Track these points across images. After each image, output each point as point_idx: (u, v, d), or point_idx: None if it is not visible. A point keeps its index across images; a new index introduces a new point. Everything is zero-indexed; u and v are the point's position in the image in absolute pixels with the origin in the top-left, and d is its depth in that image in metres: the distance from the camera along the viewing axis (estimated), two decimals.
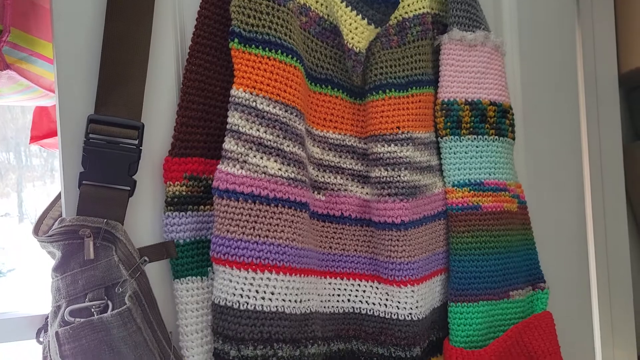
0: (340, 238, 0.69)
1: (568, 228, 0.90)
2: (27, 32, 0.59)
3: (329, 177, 0.69)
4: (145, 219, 0.61)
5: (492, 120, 0.73)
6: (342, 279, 0.69)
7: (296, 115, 0.62)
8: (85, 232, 0.55)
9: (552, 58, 0.90)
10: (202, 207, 0.63)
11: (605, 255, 0.92)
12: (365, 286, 0.69)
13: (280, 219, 0.60)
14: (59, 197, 0.66)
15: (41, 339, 0.84)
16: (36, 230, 0.62)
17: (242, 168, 0.59)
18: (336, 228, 0.69)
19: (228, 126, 0.59)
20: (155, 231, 0.62)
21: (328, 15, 0.69)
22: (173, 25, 0.63)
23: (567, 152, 0.90)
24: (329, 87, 0.69)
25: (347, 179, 0.70)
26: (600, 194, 0.93)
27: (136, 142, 0.58)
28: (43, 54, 0.61)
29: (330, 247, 0.69)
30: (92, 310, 0.56)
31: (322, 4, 0.69)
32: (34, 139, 0.81)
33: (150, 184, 0.61)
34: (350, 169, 0.70)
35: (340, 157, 0.70)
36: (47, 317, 0.86)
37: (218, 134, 0.63)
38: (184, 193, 0.62)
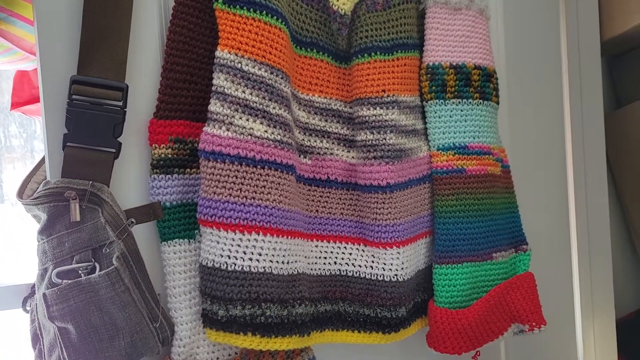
0: (326, 202, 0.70)
1: (550, 192, 0.91)
2: None
3: (315, 141, 0.69)
4: (131, 181, 0.61)
5: (476, 84, 0.74)
6: (328, 242, 0.70)
7: (282, 78, 0.62)
8: (71, 195, 0.55)
9: (536, 24, 0.91)
10: (188, 170, 0.63)
11: (586, 218, 0.94)
12: (352, 249, 0.70)
13: (266, 180, 0.60)
14: (42, 161, 0.65)
15: (27, 308, 0.83)
16: (20, 194, 0.62)
17: (228, 130, 0.59)
18: (322, 192, 0.69)
19: (213, 88, 0.59)
20: (142, 194, 0.62)
21: None
22: None
23: (550, 118, 0.92)
24: (314, 50, 0.69)
25: (332, 143, 0.70)
26: (582, 159, 0.94)
27: (120, 103, 0.57)
28: (23, 15, 0.60)
29: (317, 211, 0.69)
30: (80, 272, 0.56)
31: None
32: (15, 105, 0.80)
33: (135, 146, 0.61)
34: (336, 133, 0.70)
35: (326, 121, 0.70)
36: (32, 286, 0.86)
37: (203, 96, 0.63)
38: (169, 156, 0.61)
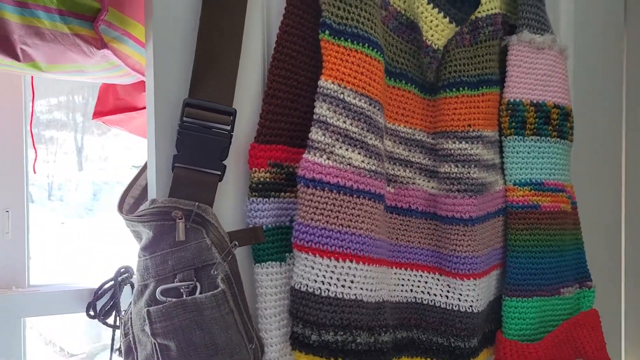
0: (406, 230, 0.71)
1: (604, 229, 0.93)
2: (121, 11, 0.59)
3: (399, 170, 0.70)
4: (228, 202, 0.62)
5: (555, 122, 0.75)
6: (405, 270, 0.71)
7: (378, 109, 0.64)
8: (178, 214, 0.56)
9: (600, 62, 0.92)
10: (282, 194, 0.64)
11: (637, 258, 0.96)
12: (427, 277, 0.71)
13: (361, 209, 0.61)
14: (138, 176, 0.67)
15: (91, 313, 0.85)
16: (120, 208, 0.63)
17: (328, 159, 0.60)
18: (402, 220, 0.71)
19: (315, 116, 0.61)
20: (237, 215, 0.63)
21: (405, 10, 0.70)
22: (260, 13, 0.64)
23: (606, 156, 0.93)
24: (403, 81, 0.71)
25: (414, 173, 0.71)
26: (636, 198, 0.96)
27: (228, 127, 0.59)
28: (133, 35, 0.61)
29: (397, 238, 0.71)
30: (181, 290, 0.57)
31: None
32: (98, 114, 0.81)
33: (233, 168, 0.62)
34: (418, 163, 0.72)
35: (410, 150, 0.71)
36: (95, 292, 0.87)
37: (301, 122, 0.64)
38: (267, 179, 0.63)
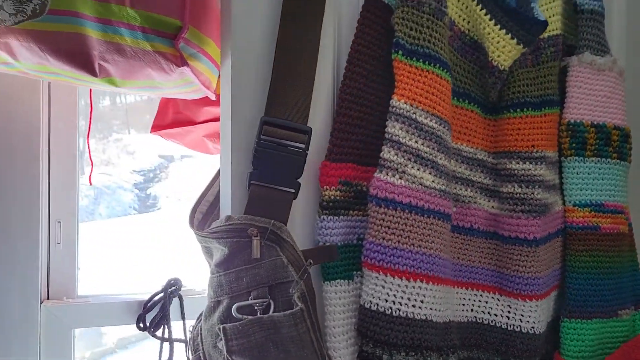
0: (467, 249, 0.71)
1: None
2: (198, 29, 0.60)
3: (461, 189, 0.70)
4: (296, 219, 0.63)
5: (615, 144, 0.75)
6: (466, 289, 0.71)
7: (447, 129, 0.64)
8: (253, 232, 0.57)
9: None
10: (351, 212, 0.64)
11: None
12: (488, 297, 0.71)
13: (431, 229, 0.61)
14: (205, 191, 0.67)
15: (141, 325, 0.85)
16: (192, 224, 0.63)
17: (401, 178, 0.60)
18: (464, 239, 0.71)
19: (387, 136, 0.61)
20: (305, 232, 0.63)
21: (469, 31, 0.71)
22: (332, 32, 0.64)
23: None
24: (466, 101, 0.71)
25: (476, 192, 0.71)
26: None
27: (303, 145, 0.59)
28: (207, 52, 0.62)
29: (458, 258, 0.70)
30: (256, 307, 0.57)
31: (464, 19, 0.70)
32: (156, 128, 0.82)
33: (303, 185, 0.63)
34: (479, 182, 0.72)
35: (471, 170, 0.71)
36: (145, 304, 0.87)
37: (369, 141, 0.65)
38: (338, 198, 0.63)
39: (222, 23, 0.61)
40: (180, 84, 0.62)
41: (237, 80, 0.59)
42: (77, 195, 0.88)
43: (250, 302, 0.57)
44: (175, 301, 0.90)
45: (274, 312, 0.57)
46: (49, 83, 0.85)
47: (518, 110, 0.71)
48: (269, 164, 0.58)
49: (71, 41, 0.58)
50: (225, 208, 0.60)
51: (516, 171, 0.70)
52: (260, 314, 0.56)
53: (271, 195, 0.58)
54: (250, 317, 0.56)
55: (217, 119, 0.79)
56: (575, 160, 0.74)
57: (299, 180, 0.59)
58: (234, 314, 0.56)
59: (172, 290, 0.88)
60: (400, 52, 0.62)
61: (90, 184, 0.84)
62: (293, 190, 0.59)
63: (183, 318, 0.90)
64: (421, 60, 0.62)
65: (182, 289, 0.91)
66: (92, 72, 0.60)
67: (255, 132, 0.58)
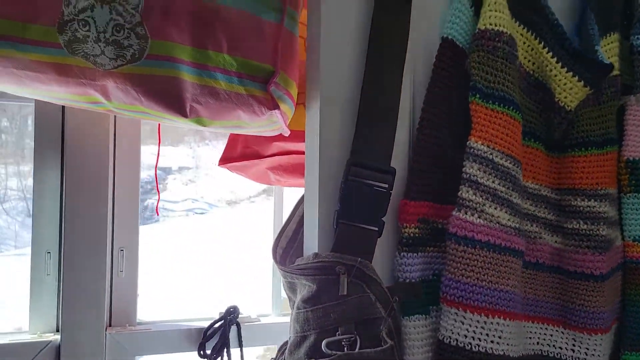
0: (533, 283, 0.73)
1: None
2: (285, 73, 0.62)
3: (527, 225, 0.72)
4: (376, 256, 0.65)
5: None
6: (532, 323, 0.73)
7: (520, 169, 0.66)
8: (341, 269, 0.59)
9: None
10: (427, 248, 0.66)
11: None
12: (552, 330, 0.73)
13: (508, 266, 0.63)
14: (284, 227, 0.69)
15: (202, 352, 0.86)
16: (276, 260, 0.65)
17: (479, 217, 0.62)
18: (530, 274, 0.73)
19: (465, 176, 0.63)
20: (384, 269, 0.65)
21: (534, 72, 0.73)
22: (409, 75, 0.67)
23: None
24: (532, 139, 0.73)
25: (541, 227, 0.73)
26: None
27: (387, 186, 0.61)
28: (291, 93, 0.64)
29: (525, 292, 0.72)
30: (343, 343, 0.59)
31: (530, 60, 0.73)
32: (225, 160, 0.84)
33: None
34: (543, 218, 0.74)
35: (536, 206, 0.73)
36: (205, 332, 0.89)
37: (445, 180, 0.67)
38: (416, 235, 0.65)
39: (310, 68, 0.63)
40: (265, 124, 0.64)
41: (325, 124, 0.61)
42: (139, 223, 0.90)
43: (337, 337, 0.59)
44: (232, 328, 0.91)
45: (359, 348, 0.58)
46: (115, 115, 0.87)
47: (582, 149, 0.73)
48: (355, 203, 0.60)
49: (166, 84, 0.61)
50: (311, 245, 0.62)
51: (581, 208, 0.72)
52: (346, 349, 0.58)
53: (357, 233, 0.60)
54: (340, 352, 0.57)
55: (283, 153, 0.82)
56: (635, 197, 0.76)
57: (383, 218, 0.62)
58: (323, 349, 0.58)
59: (231, 317, 0.90)
60: (477, 95, 0.64)
61: (157, 214, 0.86)
62: (377, 229, 0.61)
63: (241, 346, 0.91)
64: (497, 103, 0.65)
65: (240, 316, 0.92)
66: (183, 113, 0.62)
67: (341, 171, 0.61)
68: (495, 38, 0.66)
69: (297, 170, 0.84)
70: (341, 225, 0.60)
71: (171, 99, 0.61)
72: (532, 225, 0.73)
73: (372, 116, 0.62)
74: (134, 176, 0.90)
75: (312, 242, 0.62)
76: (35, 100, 0.83)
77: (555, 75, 0.71)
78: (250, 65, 0.60)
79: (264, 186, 1.00)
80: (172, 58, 0.60)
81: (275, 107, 0.60)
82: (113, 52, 0.59)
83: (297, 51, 0.66)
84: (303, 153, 0.79)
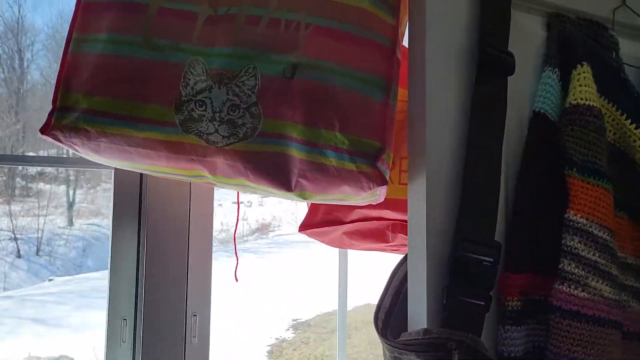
0: (626, 353, 0.72)
1: None
2: (390, 148, 0.64)
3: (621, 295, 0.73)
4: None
5: None
6: None
7: (615, 240, 0.67)
8: (452, 346, 0.58)
9: None
10: (528, 320, 0.66)
11: None
12: None
13: (612, 339, 0.63)
14: (382, 299, 0.69)
15: None
16: (379, 334, 0.65)
17: (583, 290, 0.63)
18: (623, 343, 0.72)
19: (566, 249, 0.64)
20: (487, 344, 0.65)
21: (615, 141, 0.75)
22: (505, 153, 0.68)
23: None
24: (617, 208, 0.74)
25: (629, 296, 0.74)
26: None
27: (492, 260, 0.62)
28: (390, 165, 0.66)
29: None
30: None
31: (611, 131, 0.74)
32: (306, 227, 0.85)
33: None
34: (631, 286, 0.74)
35: (624, 274, 0.74)
36: None
37: (542, 251, 0.67)
38: (519, 308, 0.65)
39: (413, 143, 0.65)
40: (367, 197, 0.65)
41: (431, 199, 0.62)
42: (211, 288, 0.90)
43: None
44: None
45: None
46: (190, 183, 0.88)
47: None
48: (464, 278, 0.61)
49: (275, 160, 0.62)
50: (418, 320, 0.62)
51: None
52: None
53: (467, 308, 0.60)
54: None
55: (363, 219, 0.82)
56: None
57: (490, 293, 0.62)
58: None
59: None
60: (574, 168, 0.66)
61: (237, 281, 0.86)
62: (484, 303, 0.61)
63: None
64: (592, 176, 0.66)
65: None
66: (288, 188, 0.63)
67: (447, 246, 0.61)
68: (587, 112, 0.67)
69: (373, 235, 0.85)
70: (450, 300, 0.60)
71: (278, 175, 0.62)
72: (622, 294, 0.73)
73: (476, 190, 0.63)
74: (207, 241, 0.90)
75: (419, 317, 0.62)
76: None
77: (639, 146, 0.73)
78: (361, 143, 0.61)
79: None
80: (283, 135, 0.61)
81: (384, 182, 0.61)
82: (227, 130, 0.61)
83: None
84: (381, 219, 0.80)
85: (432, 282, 0.62)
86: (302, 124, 0.61)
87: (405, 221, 0.82)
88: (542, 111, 0.69)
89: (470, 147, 0.64)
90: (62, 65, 0.64)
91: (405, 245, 0.87)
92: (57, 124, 0.62)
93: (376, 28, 0.63)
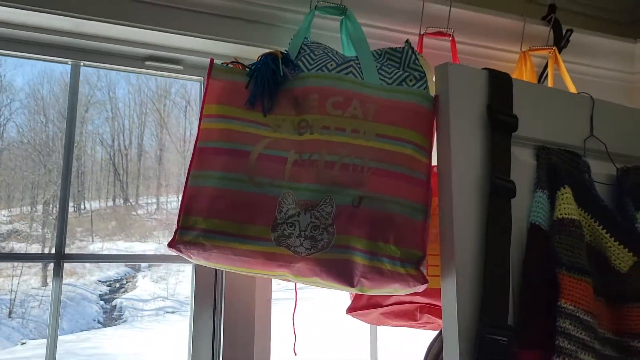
0: None
1: None
2: (427, 254, 0.86)
3: None
4: None
5: None
6: None
7: (596, 320, 0.89)
8: None
9: None
10: None
11: None
12: None
13: None
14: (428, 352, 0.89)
15: None
16: None
17: None
18: None
19: (560, 329, 0.85)
20: None
21: (591, 242, 0.98)
22: (512, 255, 0.90)
23: None
24: (596, 294, 0.96)
25: None
26: None
27: (507, 339, 0.83)
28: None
29: None
30: None
31: (588, 234, 0.97)
32: (352, 310, 1.05)
33: None
34: (610, 355, 0.95)
35: (604, 347, 0.95)
36: None
37: (545, 332, 0.89)
38: None
39: (445, 251, 0.87)
40: (409, 290, 0.86)
41: (460, 292, 0.83)
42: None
43: None
44: None
45: None
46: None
47: (636, 301, 0.96)
48: (488, 354, 0.81)
49: (343, 265, 0.83)
50: None
51: (637, 348, 0.94)
52: None
53: None
54: None
55: (399, 303, 1.03)
56: None
57: None
58: None
59: None
60: (563, 267, 0.88)
61: (295, 355, 1.04)
62: None
63: None
64: (577, 272, 0.88)
65: None
66: (351, 285, 0.84)
67: (473, 326, 0.82)
68: (570, 224, 0.91)
69: (404, 315, 1.05)
70: None
71: (345, 275, 0.83)
72: None
73: (494, 283, 0.84)
74: (266, 327, 1.09)
75: None
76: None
77: (610, 247, 0.96)
78: (409, 252, 0.83)
79: None
80: (350, 247, 0.83)
81: (426, 281, 0.82)
82: (309, 244, 0.82)
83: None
84: (412, 303, 1.01)
85: (463, 356, 0.82)
86: (365, 238, 0.83)
87: (431, 304, 1.03)
88: (536, 223, 0.92)
89: (487, 251, 0.86)
90: (183, 195, 0.85)
91: (429, 322, 1.08)
92: (180, 239, 0.83)
93: (416, 167, 0.86)
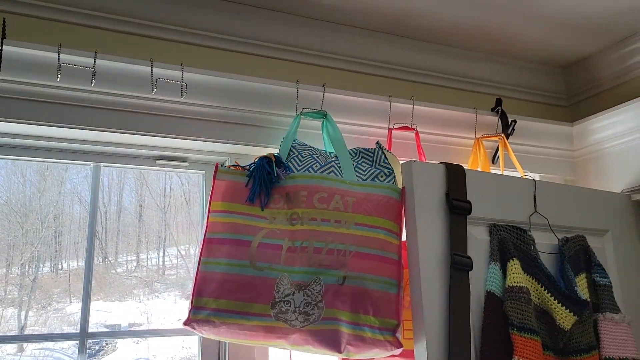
0: None
1: None
2: (401, 323, 1.02)
3: None
4: None
5: None
6: None
7: None
8: None
9: None
10: None
11: None
12: None
13: None
14: None
15: None
16: None
17: None
18: None
19: None
20: None
21: (539, 304, 1.16)
22: (471, 318, 1.07)
23: None
24: (545, 349, 1.14)
25: None
26: None
27: None
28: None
29: None
30: None
31: (536, 297, 1.16)
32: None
33: None
34: None
35: None
36: None
37: None
38: None
39: (416, 315, 1.03)
40: (388, 354, 1.02)
41: (431, 353, 1.00)
42: None
43: None
44: None
45: None
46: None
47: (578, 354, 1.14)
48: None
49: (332, 334, 0.99)
50: None
51: None
52: None
53: None
54: None
55: None
56: None
57: None
58: None
59: None
60: (515, 328, 1.05)
61: None
62: None
63: None
64: (526, 332, 1.06)
65: None
66: (338, 351, 1.00)
67: None
68: (519, 291, 1.09)
69: None
70: None
71: (333, 343, 0.99)
72: None
73: (458, 343, 1.01)
74: None
75: None
76: None
77: (555, 308, 1.14)
78: (385, 322, 0.99)
79: None
80: (337, 318, 0.99)
81: (401, 346, 0.99)
82: (303, 317, 0.98)
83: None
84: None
85: None
86: (349, 311, 0.99)
87: None
88: (491, 291, 1.10)
89: (451, 316, 1.03)
90: (195, 279, 1.01)
91: None
92: (194, 318, 0.98)
93: (389, 249, 1.04)
